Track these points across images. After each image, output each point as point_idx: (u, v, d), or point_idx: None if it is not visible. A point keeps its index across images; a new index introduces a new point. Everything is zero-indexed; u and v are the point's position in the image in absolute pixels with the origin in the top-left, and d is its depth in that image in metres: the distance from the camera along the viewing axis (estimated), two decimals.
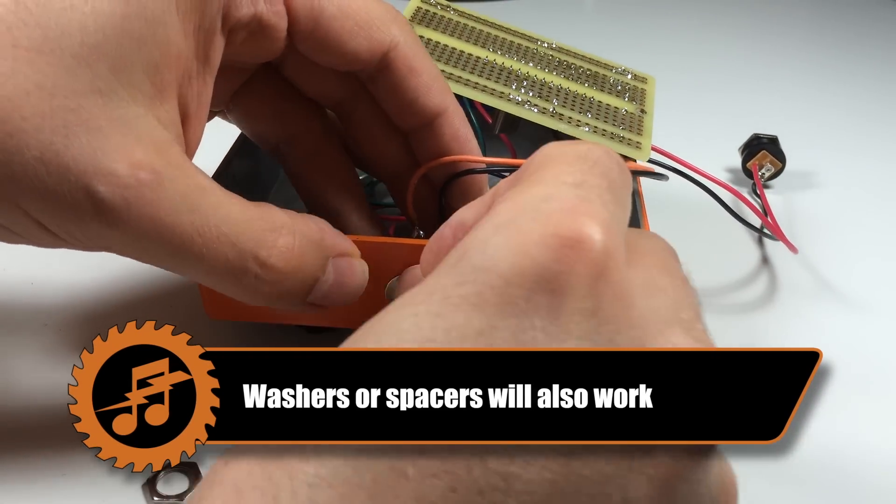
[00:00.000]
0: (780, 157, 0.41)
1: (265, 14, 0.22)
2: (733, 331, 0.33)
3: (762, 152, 0.41)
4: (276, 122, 0.27)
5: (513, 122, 0.32)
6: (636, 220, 0.29)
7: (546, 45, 0.34)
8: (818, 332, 0.33)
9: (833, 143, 0.49)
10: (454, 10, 0.34)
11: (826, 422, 0.27)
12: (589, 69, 0.33)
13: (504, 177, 0.35)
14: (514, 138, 0.33)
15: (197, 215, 0.19)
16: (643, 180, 0.31)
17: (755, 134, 0.41)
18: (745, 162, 0.41)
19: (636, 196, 0.30)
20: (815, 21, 0.75)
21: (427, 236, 0.30)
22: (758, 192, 0.38)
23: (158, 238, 0.19)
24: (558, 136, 0.30)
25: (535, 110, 0.29)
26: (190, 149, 0.22)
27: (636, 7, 0.73)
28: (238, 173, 0.30)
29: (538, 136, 0.35)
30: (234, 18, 0.21)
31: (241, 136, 0.31)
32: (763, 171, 0.41)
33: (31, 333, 0.30)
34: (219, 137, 0.29)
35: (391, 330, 0.14)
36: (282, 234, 0.21)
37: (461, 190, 0.27)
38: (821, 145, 0.48)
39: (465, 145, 0.26)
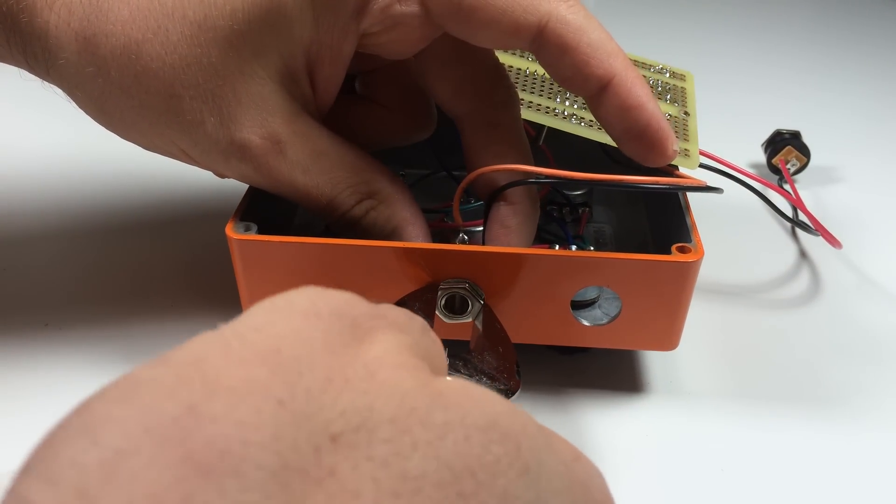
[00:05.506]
0: (804, 151, 0.41)
1: (398, 11, 0.23)
2: (782, 324, 0.32)
3: (787, 147, 0.41)
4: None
5: (555, 133, 0.32)
6: (683, 222, 0.28)
7: None
8: (866, 327, 0.33)
9: (850, 135, 0.49)
10: None
11: (878, 418, 0.27)
12: None
13: (562, 192, 0.34)
14: (554, 147, 0.33)
15: (308, 176, 0.24)
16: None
17: (777, 130, 0.42)
18: (770, 158, 0.41)
19: (685, 207, 0.29)
20: (815, 14, 0.76)
21: (469, 241, 0.30)
22: (789, 188, 0.39)
23: (277, 188, 0.25)
24: (605, 148, 0.30)
25: (582, 124, 0.29)
26: (321, 112, 0.26)
27: (638, 3, 0.74)
28: (262, 205, 0.29)
29: (581, 147, 0.35)
30: (370, 14, 0.23)
31: None
32: (788, 165, 0.41)
33: (33, 334, 0.30)
34: None
35: None
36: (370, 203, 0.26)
37: (506, 199, 0.27)
38: (839, 138, 0.48)
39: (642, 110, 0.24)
